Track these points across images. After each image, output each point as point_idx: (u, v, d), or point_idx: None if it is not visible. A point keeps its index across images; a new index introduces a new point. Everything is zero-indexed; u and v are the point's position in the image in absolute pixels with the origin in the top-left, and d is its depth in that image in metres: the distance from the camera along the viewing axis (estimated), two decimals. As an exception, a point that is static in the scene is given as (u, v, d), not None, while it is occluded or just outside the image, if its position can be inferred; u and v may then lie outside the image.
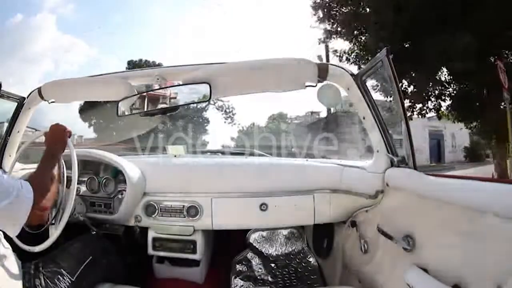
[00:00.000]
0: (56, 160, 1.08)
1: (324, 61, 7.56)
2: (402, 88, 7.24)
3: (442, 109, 8.09)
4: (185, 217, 1.37)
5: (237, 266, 1.47)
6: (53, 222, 1.12)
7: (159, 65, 14.68)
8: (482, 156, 16.90)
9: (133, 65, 16.31)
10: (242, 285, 1.37)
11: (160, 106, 1.26)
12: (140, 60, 16.98)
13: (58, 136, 1.09)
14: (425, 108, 7.90)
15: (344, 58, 8.57)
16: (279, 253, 1.58)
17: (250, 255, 1.54)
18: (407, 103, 7.48)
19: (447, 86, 7.65)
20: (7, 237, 0.93)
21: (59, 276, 0.99)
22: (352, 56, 8.52)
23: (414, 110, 7.89)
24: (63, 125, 1.10)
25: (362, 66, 6.45)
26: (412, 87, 7.62)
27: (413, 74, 7.25)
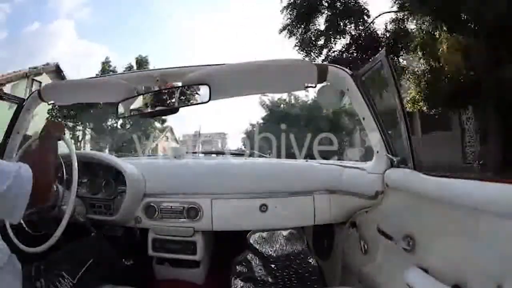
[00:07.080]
0: (55, 142, 1.08)
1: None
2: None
3: None
4: (185, 218, 1.37)
5: (237, 267, 1.47)
6: (62, 204, 1.13)
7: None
8: None
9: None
10: (242, 286, 1.37)
11: (159, 108, 1.26)
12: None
13: (57, 124, 1.16)
14: None
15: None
16: (279, 254, 1.58)
17: (250, 256, 1.53)
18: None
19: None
20: (7, 238, 0.93)
21: (60, 279, 0.99)
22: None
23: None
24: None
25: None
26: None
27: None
